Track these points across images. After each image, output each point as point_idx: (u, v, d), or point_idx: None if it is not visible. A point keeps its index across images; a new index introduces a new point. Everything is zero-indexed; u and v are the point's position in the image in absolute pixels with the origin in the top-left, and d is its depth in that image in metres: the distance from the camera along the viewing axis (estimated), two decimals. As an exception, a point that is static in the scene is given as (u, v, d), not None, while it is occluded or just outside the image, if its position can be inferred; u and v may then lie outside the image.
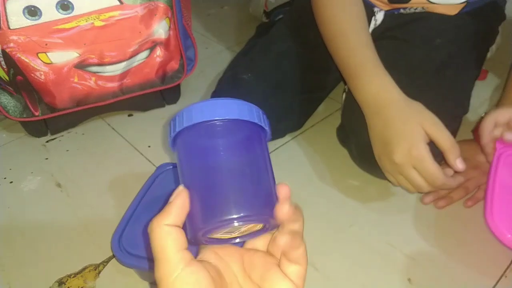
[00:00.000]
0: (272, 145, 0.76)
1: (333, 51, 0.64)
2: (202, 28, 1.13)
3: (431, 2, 0.69)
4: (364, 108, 0.60)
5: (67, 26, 0.65)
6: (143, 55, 0.74)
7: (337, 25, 0.63)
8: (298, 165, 0.73)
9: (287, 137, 0.77)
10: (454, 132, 0.67)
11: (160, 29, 0.73)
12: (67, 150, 0.76)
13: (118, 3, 0.67)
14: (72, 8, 0.65)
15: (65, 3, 0.64)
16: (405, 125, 0.56)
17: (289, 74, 0.70)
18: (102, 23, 0.68)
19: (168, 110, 0.85)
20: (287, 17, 0.80)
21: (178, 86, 0.84)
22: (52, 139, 0.78)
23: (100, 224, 0.63)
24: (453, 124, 0.64)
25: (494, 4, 0.74)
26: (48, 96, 0.71)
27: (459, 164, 0.54)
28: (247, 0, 1.13)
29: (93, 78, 0.73)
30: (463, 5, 0.69)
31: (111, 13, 0.68)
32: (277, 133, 0.75)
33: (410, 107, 0.57)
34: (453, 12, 0.70)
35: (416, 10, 0.70)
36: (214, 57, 1.01)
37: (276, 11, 0.91)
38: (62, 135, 0.79)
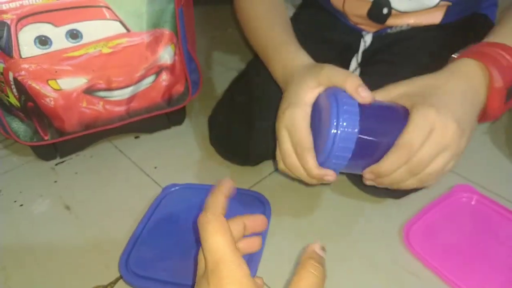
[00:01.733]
0: (273, 165, 0.77)
1: (252, 40, 0.67)
2: (207, 50, 1.16)
3: (399, 11, 0.69)
4: (280, 85, 0.59)
5: (76, 53, 0.68)
6: (150, 79, 0.77)
7: (255, 17, 0.66)
8: (300, 185, 0.74)
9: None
10: None
11: (166, 54, 0.76)
12: (76, 173, 0.78)
13: (125, 30, 0.70)
14: (81, 37, 0.67)
15: (74, 32, 0.67)
16: (298, 85, 0.51)
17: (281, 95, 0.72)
18: (110, 50, 0.70)
19: (174, 132, 0.87)
20: None
21: (184, 108, 0.86)
22: (61, 162, 0.80)
23: (108, 244, 0.64)
24: None
25: (482, 16, 0.75)
26: (58, 121, 0.74)
27: (362, 92, 0.45)
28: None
29: (101, 103, 0.75)
30: (442, 10, 0.70)
31: (119, 40, 0.70)
32: (275, 153, 0.77)
33: (312, 68, 0.52)
34: (436, 19, 0.70)
35: (402, 28, 0.72)
36: (219, 78, 1.04)
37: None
38: (71, 158, 0.81)
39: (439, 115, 0.43)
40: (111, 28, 0.69)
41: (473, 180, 0.74)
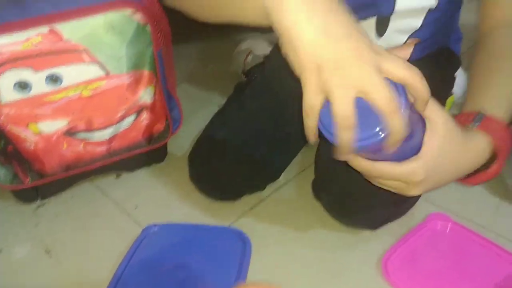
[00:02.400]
0: (253, 200, 0.79)
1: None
2: (186, 86, 1.18)
3: None
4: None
5: (56, 97, 0.69)
6: (130, 119, 0.78)
7: None
8: (280, 219, 0.75)
9: (267, 191, 0.80)
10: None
11: (146, 95, 0.77)
12: (57, 215, 0.77)
13: (104, 73, 0.72)
14: (61, 81, 0.69)
15: (54, 76, 0.68)
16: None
17: (263, 130, 0.74)
18: (90, 93, 0.72)
19: (155, 169, 0.87)
20: (261, 77, 0.85)
21: (165, 145, 0.88)
22: (42, 205, 0.80)
23: (89, 289, 0.64)
24: None
25: (448, 51, 0.79)
26: (38, 164, 0.74)
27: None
28: (230, 59, 1.19)
29: (82, 144, 0.76)
30: (410, 47, 0.72)
31: (98, 83, 0.72)
32: (258, 185, 0.79)
33: None
34: (404, 57, 0.73)
35: None
36: (199, 114, 1.05)
37: (252, 70, 0.96)
38: (52, 200, 0.81)
39: (423, 175, 0.47)
40: (91, 71, 0.70)
41: (447, 208, 0.76)
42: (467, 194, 0.79)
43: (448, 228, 0.72)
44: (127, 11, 0.69)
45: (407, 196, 0.72)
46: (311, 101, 0.41)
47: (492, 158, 0.53)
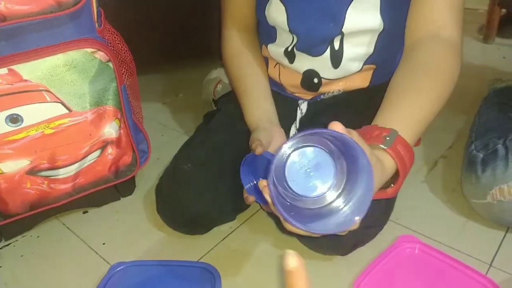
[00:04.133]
0: (222, 232, 0.78)
1: (236, 90, 0.80)
2: (158, 116, 1.18)
3: (328, 79, 0.75)
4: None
5: (17, 137, 0.68)
6: (95, 155, 0.77)
7: (240, 84, 0.79)
8: (250, 250, 0.75)
9: (237, 222, 0.80)
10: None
11: (111, 129, 0.77)
12: (22, 256, 0.75)
13: (67, 111, 0.71)
14: (22, 121, 0.68)
15: (14, 116, 0.67)
16: None
17: (228, 162, 0.74)
18: (52, 131, 0.71)
19: (123, 203, 0.86)
20: (226, 107, 0.86)
21: (133, 178, 0.87)
22: (6, 245, 0.77)
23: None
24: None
25: None
26: (1, 204, 0.72)
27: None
28: (200, 88, 1.20)
29: (46, 182, 0.75)
30: (368, 73, 0.75)
31: (61, 121, 0.71)
32: (226, 216, 0.78)
33: None
34: (364, 83, 0.76)
35: (334, 93, 0.77)
36: (170, 144, 1.05)
37: (222, 99, 0.97)
38: (17, 240, 0.78)
39: None
40: (52, 110, 0.70)
41: (415, 229, 0.77)
42: (434, 215, 0.80)
43: (417, 249, 0.72)
44: (88, 50, 0.70)
45: (373, 223, 0.74)
46: None
47: (392, 178, 0.57)
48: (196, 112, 1.19)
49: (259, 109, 0.75)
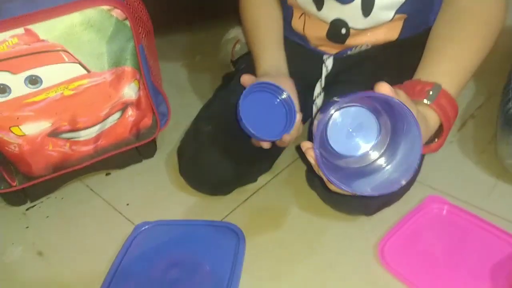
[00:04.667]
0: (245, 192, 0.77)
1: (249, 42, 0.79)
2: (175, 79, 1.16)
3: (357, 29, 0.71)
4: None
5: (36, 99, 0.68)
6: (115, 116, 0.77)
7: (254, 21, 0.78)
8: (274, 210, 0.74)
9: (260, 182, 0.79)
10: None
11: (130, 91, 0.76)
12: (47, 217, 0.76)
13: (85, 72, 0.70)
14: (41, 82, 0.67)
15: (33, 78, 0.66)
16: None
17: None
18: (72, 92, 0.70)
19: (145, 165, 0.86)
20: (247, 67, 0.83)
21: (154, 140, 0.86)
22: (32, 207, 0.79)
23: (82, 290, 0.63)
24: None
25: None
26: (24, 166, 0.73)
27: None
28: (218, 49, 1.17)
29: (68, 144, 0.74)
30: (399, 24, 0.71)
31: (80, 82, 0.70)
32: (248, 178, 0.77)
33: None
34: (393, 35, 0.72)
35: (362, 49, 0.74)
36: (189, 107, 1.03)
37: (241, 59, 0.94)
38: (42, 202, 0.79)
39: None
40: (71, 70, 0.69)
41: (443, 190, 0.75)
42: (463, 176, 0.78)
43: (445, 210, 0.71)
44: (105, 7, 0.67)
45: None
46: None
47: (436, 132, 0.55)
48: (215, 74, 1.17)
49: (270, 58, 0.74)
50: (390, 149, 0.47)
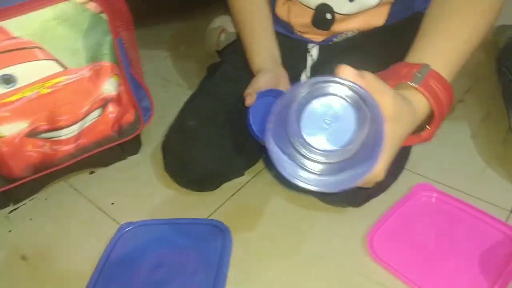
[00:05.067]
0: (233, 187, 0.76)
1: (238, 29, 0.77)
2: (160, 71, 1.14)
3: (342, 14, 0.68)
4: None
5: (12, 98, 0.65)
6: (96, 113, 0.74)
7: (242, 8, 0.75)
8: (261, 204, 0.73)
9: (247, 176, 0.78)
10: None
11: (110, 86, 0.73)
12: (31, 219, 0.74)
13: (62, 69, 0.67)
14: (15, 81, 0.65)
15: (7, 77, 0.64)
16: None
17: (235, 116, 0.71)
18: (49, 90, 0.68)
19: (130, 162, 0.84)
20: (232, 58, 0.81)
21: (138, 136, 0.84)
22: (15, 209, 0.77)
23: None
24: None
25: (421, 16, 0.75)
26: (4, 168, 0.71)
27: None
28: (202, 39, 1.15)
29: (47, 144, 0.72)
30: (385, 9, 0.69)
31: (56, 80, 0.68)
32: (236, 172, 0.76)
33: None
34: (380, 21, 0.70)
35: (348, 35, 0.72)
36: (174, 100, 1.01)
37: (226, 49, 0.92)
38: (25, 203, 0.77)
39: (386, 168, 0.44)
40: (47, 68, 0.66)
41: (432, 177, 0.74)
42: (451, 163, 0.77)
43: (434, 198, 0.70)
44: (79, 0, 0.65)
45: (390, 169, 0.71)
46: None
47: (428, 118, 0.50)
48: (200, 64, 1.14)
49: (264, 47, 0.73)
50: (370, 142, 0.40)
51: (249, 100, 0.64)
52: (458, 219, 0.66)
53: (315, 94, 0.40)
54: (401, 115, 0.44)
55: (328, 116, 0.40)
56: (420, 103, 0.47)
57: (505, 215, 0.67)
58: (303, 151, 0.41)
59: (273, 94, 0.66)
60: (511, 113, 0.77)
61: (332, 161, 0.41)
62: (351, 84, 0.38)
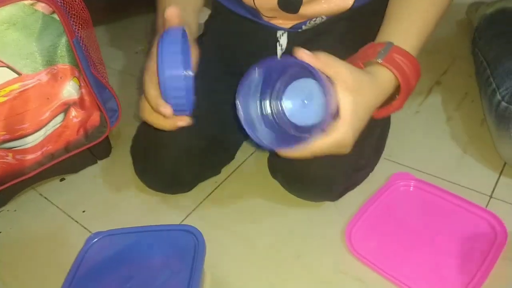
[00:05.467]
0: (209, 186, 0.74)
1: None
2: (130, 67, 1.10)
3: None
4: None
5: (-36, 110, 0.62)
6: (58, 119, 0.71)
7: None
8: (237, 202, 0.71)
9: (223, 174, 0.76)
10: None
11: (70, 89, 0.70)
12: (0, 232, 0.72)
13: (16, 75, 0.64)
14: (-34, 91, 0.61)
15: (-43, 88, 0.60)
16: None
17: (207, 113, 0.68)
18: (4, 99, 0.64)
19: (102, 166, 0.81)
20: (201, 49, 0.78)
21: (106, 139, 0.81)
22: (-18, 223, 0.74)
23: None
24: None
25: None
26: (-34, 182, 0.68)
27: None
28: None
29: (10, 154, 0.69)
30: None
31: (11, 87, 0.64)
32: (211, 171, 0.74)
33: None
34: (347, 3, 0.67)
35: (317, 22, 0.69)
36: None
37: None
38: (-7, 216, 0.75)
39: (351, 134, 0.48)
40: (0, 76, 0.63)
41: (409, 165, 0.72)
42: (429, 149, 0.75)
43: (412, 187, 0.68)
44: (26, 2, 0.61)
45: (365, 160, 0.69)
46: None
47: (397, 91, 0.54)
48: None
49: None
50: None
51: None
52: (438, 207, 0.65)
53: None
54: (361, 87, 0.48)
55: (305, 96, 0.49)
56: (385, 76, 0.52)
57: (485, 200, 0.65)
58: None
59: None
60: (483, 94, 0.75)
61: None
62: (304, 64, 0.44)
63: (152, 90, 0.53)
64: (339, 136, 0.47)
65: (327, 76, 0.46)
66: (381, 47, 0.53)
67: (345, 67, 0.47)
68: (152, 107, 0.54)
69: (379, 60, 0.51)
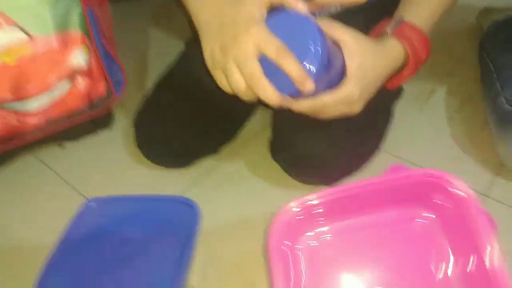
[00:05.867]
0: (206, 164, 0.74)
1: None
2: (140, 44, 1.10)
3: None
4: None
5: (-28, 67, 0.62)
6: (65, 85, 0.71)
7: None
8: (235, 183, 0.71)
9: (221, 154, 0.76)
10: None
11: (79, 57, 0.70)
12: (-5, 193, 0.73)
13: (26, 36, 0.64)
14: (-26, 48, 0.61)
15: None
16: (237, 14, 0.47)
17: (211, 92, 0.68)
18: (14, 60, 0.65)
19: (101, 136, 0.82)
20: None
21: (109, 110, 0.82)
22: (-20, 181, 0.75)
23: (30, 271, 0.60)
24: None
25: None
26: (-34, 140, 0.68)
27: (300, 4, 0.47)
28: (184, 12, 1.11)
29: (14, 115, 0.69)
30: None
31: (22, 48, 0.64)
32: (209, 149, 0.75)
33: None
34: None
35: (332, 11, 0.70)
36: (153, 74, 0.99)
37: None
38: (-10, 177, 0.75)
39: (358, 92, 0.50)
40: (11, 36, 0.63)
41: (406, 158, 0.73)
42: (427, 144, 0.76)
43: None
44: (44, -37, 0.61)
45: (365, 149, 0.69)
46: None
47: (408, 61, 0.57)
48: (181, 38, 1.12)
49: None
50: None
51: None
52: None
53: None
54: (366, 50, 0.51)
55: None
56: (394, 46, 0.55)
57: (481, 200, 0.66)
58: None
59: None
60: (487, 97, 0.76)
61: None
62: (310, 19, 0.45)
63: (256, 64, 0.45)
64: (345, 93, 0.49)
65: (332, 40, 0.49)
66: (392, 21, 0.57)
67: (349, 31, 0.50)
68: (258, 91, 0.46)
69: (388, 31, 0.55)
